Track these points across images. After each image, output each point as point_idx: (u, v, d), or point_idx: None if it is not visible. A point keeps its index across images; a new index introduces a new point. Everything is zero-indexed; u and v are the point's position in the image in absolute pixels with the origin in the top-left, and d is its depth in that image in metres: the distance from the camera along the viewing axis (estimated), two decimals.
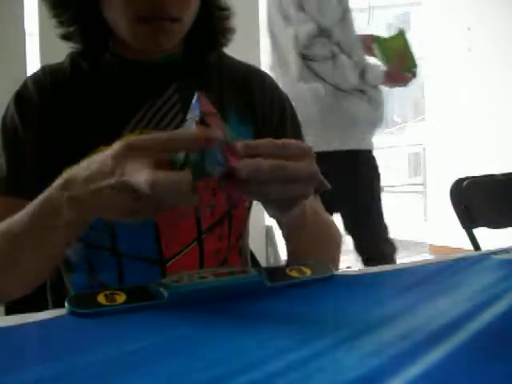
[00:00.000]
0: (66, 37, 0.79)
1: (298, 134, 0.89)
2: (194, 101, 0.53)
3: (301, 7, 1.81)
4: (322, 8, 1.81)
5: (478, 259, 0.73)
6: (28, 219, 0.63)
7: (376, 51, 2.20)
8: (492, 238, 2.68)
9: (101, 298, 0.53)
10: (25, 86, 0.81)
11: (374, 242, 2.12)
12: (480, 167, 2.79)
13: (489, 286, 0.58)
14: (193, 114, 0.53)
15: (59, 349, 0.44)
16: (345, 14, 1.83)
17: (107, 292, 0.55)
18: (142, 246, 0.77)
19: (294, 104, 0.90)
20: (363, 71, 1.93)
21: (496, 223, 1.71)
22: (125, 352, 0.42)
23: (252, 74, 0.88)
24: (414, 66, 2.28)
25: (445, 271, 0.66)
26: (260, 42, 3.01)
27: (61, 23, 0.78)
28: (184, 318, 0.51)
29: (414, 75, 2.21)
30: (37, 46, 2.20)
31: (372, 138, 2.07)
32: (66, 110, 0.79)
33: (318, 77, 1.89)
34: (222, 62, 0.87)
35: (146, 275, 0.76)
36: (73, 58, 0.83)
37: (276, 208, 0.62)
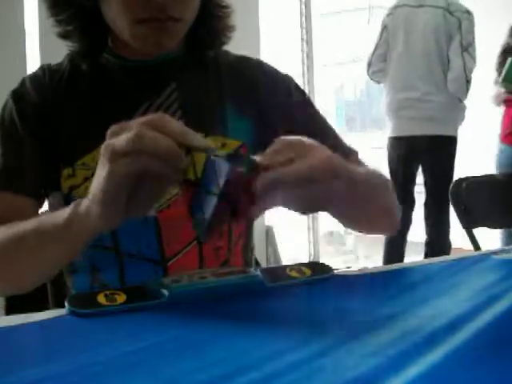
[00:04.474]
0: (63, 35, 0.79)
1: (309, 106, 0.87)
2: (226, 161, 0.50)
3: None
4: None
5: (478, 259, 0.73)
6: (51, 222, 0.63)
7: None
8: (492, 238, 2.68)
9: (101, 298, 0.53)
10: (23, 83, 0.81)
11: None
12: (480, 167, 2.79)
13: (489, 286, 0.58)
14: (219, 175, 0.50)
15: (59, 349, 0.44)
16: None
17: (107, 292, 0.55)
18: (144, 246, 0.77)
19: None
20: None
21: (496, 223, 1.71)
22: (125, 352, 0.42)
23: (249, 63, 0.88)
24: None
25: (445, 271, 0.66)
26: (260, 42, 3.01)
27: (59, 22, 0.78)
28: (184, 318, 0.51)
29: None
30: (37, 46, 2.19)
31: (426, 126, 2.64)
32: (65, 109, 0.79)
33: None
34: (218, 56, 0.86)
35: (147, 275, 0.76)
36: (71, 58, 0.82)
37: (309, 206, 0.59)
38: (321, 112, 0.90)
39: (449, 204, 2.63)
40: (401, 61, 2.64)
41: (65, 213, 0.60)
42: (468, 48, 2.54)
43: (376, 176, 0.78)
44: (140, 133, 0.51)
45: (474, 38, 2.57)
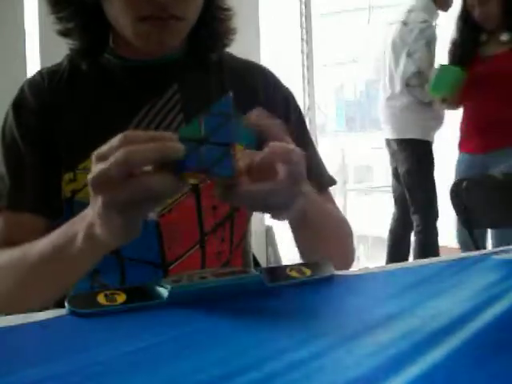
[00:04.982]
0: (64, 33, 0.79)
1: (302, 125, 0.89)
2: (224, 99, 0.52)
3: None
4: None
5: (478, 259, 0.73)
6: (58, 241, 0.65)
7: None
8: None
9: (101, 298, 0.53)
10: (22, 91, 0.80)
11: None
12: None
13: (489, 286, 0.58)
14: (221, 109, 0.52)
15: (59, 349, 0.44)
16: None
17: (107, 292, 0.55)
18: (145, 250, 0.77)
19: None
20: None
21: (496, 223, 1.71)
22: (125, 352, 0.42)
23: (253, 70, 0.88)
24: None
25: (445, 271, 0.66)
26: (260, 42, 3.01)
27: (59, 19, 0.78)
28: (184, 318, 0.51)
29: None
30: (37, 46, 2.20)
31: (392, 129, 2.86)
32: (64, 110, 0.78)
33: None
34: (222, 60, 0.86)
35: (148, 278, 0.75)
36: (71, 58, 0.82)
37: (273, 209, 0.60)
38: (311, 136, 0.92)
39: (429, 207, 2.68)
40: (382, 72, 2.96)
41: (77, 240, 0.61)
42: (413, 54, 2.70)
43: (336, 216, 0.82)
44: (124, 135, 0.51)
45: (423, 44, 2.68)
